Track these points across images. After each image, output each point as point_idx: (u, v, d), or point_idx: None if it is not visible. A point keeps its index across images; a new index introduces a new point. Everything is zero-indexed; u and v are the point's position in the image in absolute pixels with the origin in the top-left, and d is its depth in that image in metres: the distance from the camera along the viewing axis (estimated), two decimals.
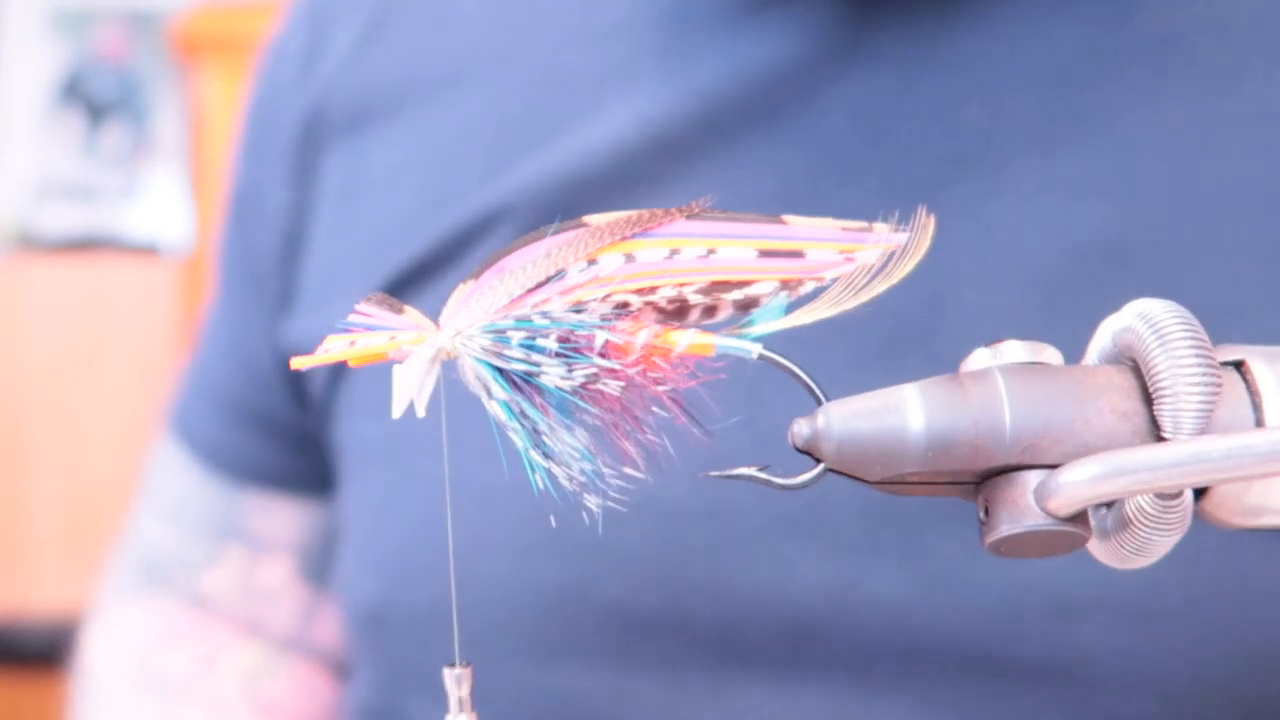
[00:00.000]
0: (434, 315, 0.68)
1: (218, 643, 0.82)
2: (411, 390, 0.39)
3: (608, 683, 0.63)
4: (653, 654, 0.63)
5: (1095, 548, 0.38)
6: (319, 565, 0.82)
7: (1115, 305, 0.61)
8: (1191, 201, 0.61)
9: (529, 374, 0.38)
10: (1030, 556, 0.36)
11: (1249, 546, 0.58)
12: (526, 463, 0.39)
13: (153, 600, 0.84)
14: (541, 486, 0.39)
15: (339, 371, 0.73)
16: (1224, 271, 0.59)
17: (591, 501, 0.40)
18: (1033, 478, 0.35)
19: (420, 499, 0.67)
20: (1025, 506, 0.35)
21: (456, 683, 0.41)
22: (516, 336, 0.38)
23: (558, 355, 0.38)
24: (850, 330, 0.60)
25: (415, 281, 0.70)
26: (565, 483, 0.39)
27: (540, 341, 0.38)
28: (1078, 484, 0.35)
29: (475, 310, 0.39)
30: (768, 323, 0.38)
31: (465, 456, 0.61)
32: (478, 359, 0.39)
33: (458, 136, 0.71)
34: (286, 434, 0.79)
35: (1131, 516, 0.36)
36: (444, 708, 0.70)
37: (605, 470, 0.39)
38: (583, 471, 0.39)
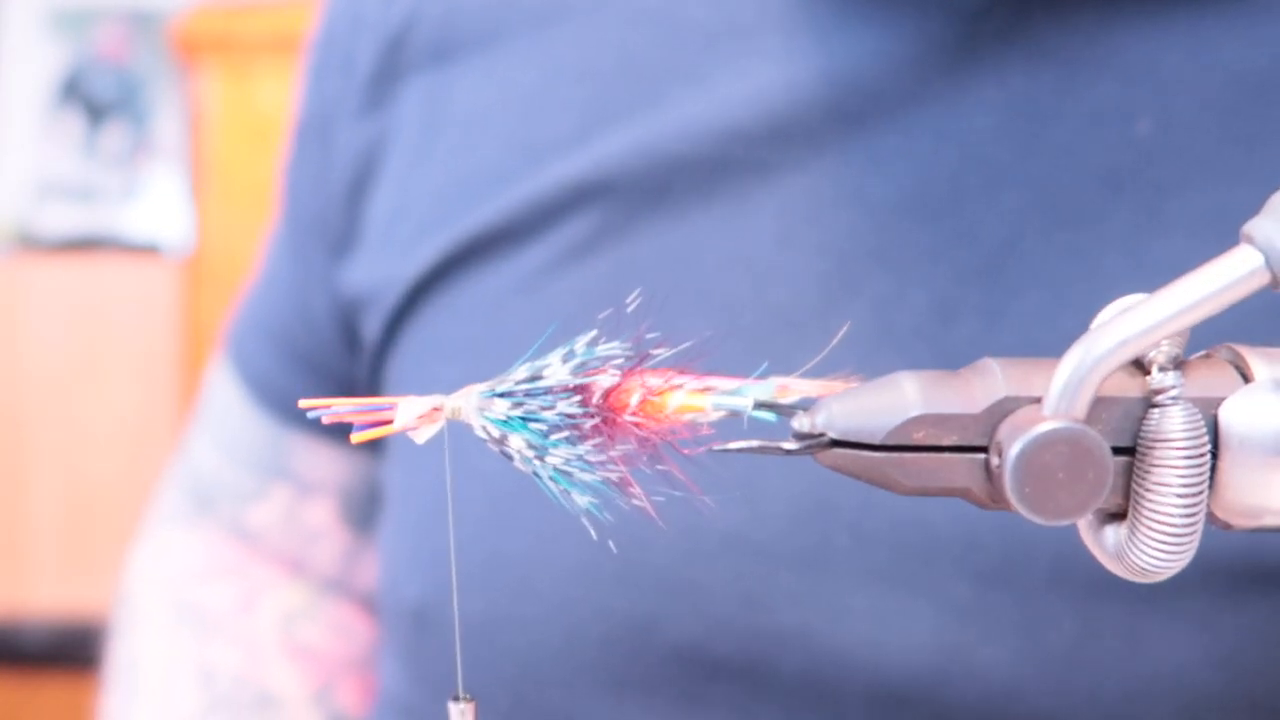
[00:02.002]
0: (506, 295, 0.64)
1: (259, 581, 0.80)
2: (410, 427, 0.39)
3: None
4: (722, 702, 0.58)
5: (1112, 564, 0.37)
6: (362, 511, 0.79)
7: None
8: None
9: (529, 419, 0.38)
10: (1065, 506, 0.34)
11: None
12: (559, 498, 0.38)
13: (199, 529, 0.82)
14: (573, 510, 0.38)
15: (393, 337, 0.68)
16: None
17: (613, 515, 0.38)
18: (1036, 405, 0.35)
19: (479, 502, 0.62)
20: (1032, 419, 0.35)
21: (460, 717, 0.41)
22: (517, 394, 0.38)
23: (556, 405, 0.37)
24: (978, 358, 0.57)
25: (488, 249, 0.64)
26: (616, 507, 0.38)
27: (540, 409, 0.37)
28: (1074, 366, 0.35)
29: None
30: (757, 393, 0.37)
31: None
32: (484, 414, 0.38)
33: (553, 83, 0.64)
34: (337, 380, 0.75)
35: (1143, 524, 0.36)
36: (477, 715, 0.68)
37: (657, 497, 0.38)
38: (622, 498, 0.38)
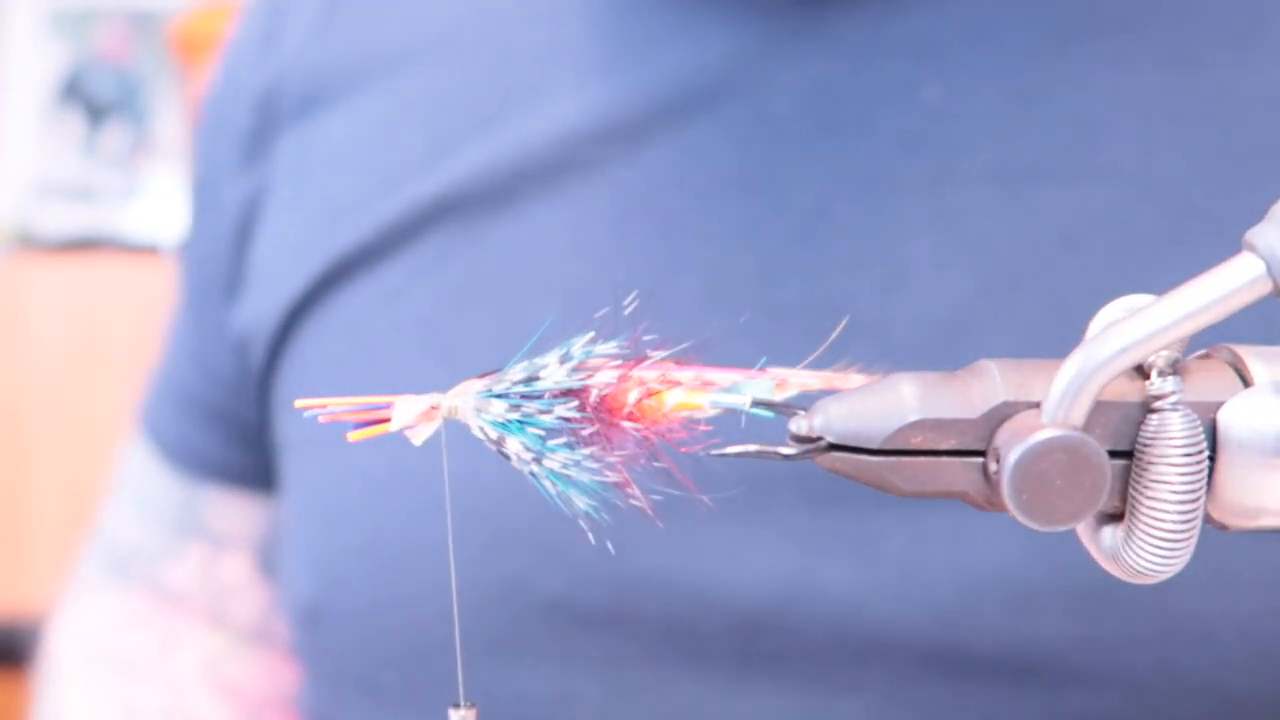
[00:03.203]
0: (371, 310, 0.68)
1: (179, 629, 0.82)
2: (407, 426, 0.39)
3: (550, 680, 0.62)
4: (596, 651, 0.62)
5: (1109, 564, 0.37)
6: (278, 561, 0.82)
7: (1071, 295, 0.60)
8: (1152, 186, 0.60)
9: (525, 421, 0.38)
10: (1062, 513, 0.35)
11: (1214, 535, 0.57)
12: (547, 490, 0.39)
13: (117, 590, 0.84)
14: (570, 512, 0.39)
15: (273, 364, 0.72)
16: (1185, 259, 0.58)
17: (583, 504, 0.39)
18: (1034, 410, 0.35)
19: (355, 492, 0.66)
20: (1030, 426, 0.35)
21: None
22: (514, 392, 0.39)
23: (551, 400, 0.38)
24: (803, 318, 0.60)
25: (352, 269, 0.69)
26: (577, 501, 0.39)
27: (534, 409, 0.38)
28: (1073, 373, 0.35)
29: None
30: (755, 391, 0.38)
31: (398, 448, 0.61)
32: (480, 414, 0.39)
33: (404, 117, 0.70)
34: (242, 430, 0.79)
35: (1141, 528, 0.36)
36: (381, 709, 0.69)
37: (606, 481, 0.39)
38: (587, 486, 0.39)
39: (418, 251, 0.67)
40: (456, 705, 0.42)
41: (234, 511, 0.81)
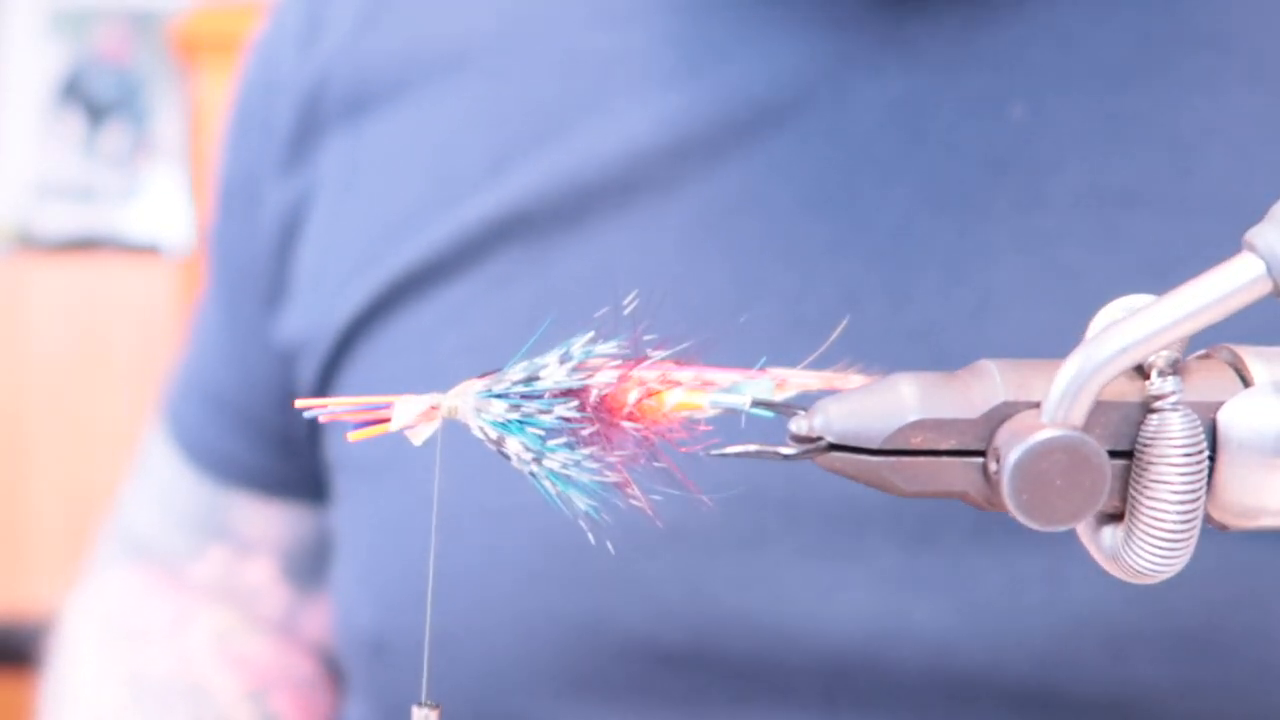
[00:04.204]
0: (433, 330, 0.66)
1: (194, 604, 0.80)
2: (407, 426, 0.39)
3: (629, 717, 0.60)
4: (677, 690, 0.60)
5: (1108, 564, 0.37)
6: (304, 569, 0.80)
7: None
8: (1245, 215, 0.58)
9: (525, 421, 0.38)
10: (1062, 513, 0.35)
11: None
12: (551, 496, 0.38)
13: (134, 566, 0.82)
14: (570, 513, 0.39)
15: (328, 381, 0.70)
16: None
17: (601, 520, 0.39)
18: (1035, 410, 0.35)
19: (423, 522, 0.64)
20: (1030, 426, 0.35)
21: None
22: (515, 392, 0.38)
23: (553, 400, 0.38)
24: (886, 347, 0.58)
25: (415, 287, 0.66)
26: (586, 507, 0.38)
27: (535, 408, 0.38)
28: (1074, 373, 0.35)
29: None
30: (755, 390, 0.38)
31: (471, 478, 0.59)
32: (480, 414, 0.38)
33: (463, 124, 0.67)
34: (276, 437, 0.77)
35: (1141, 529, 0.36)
36: None
37: (628, 498, 0.39)
38: (602, 499, 0.38)
39: (482, 271, 0.65)
40: (420, 704, 0.41)
41: (261, 518, 0.79)
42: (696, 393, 0.37)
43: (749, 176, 0.61)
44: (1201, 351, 0.39)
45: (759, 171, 0.61)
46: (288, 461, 0.77)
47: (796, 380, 0.39)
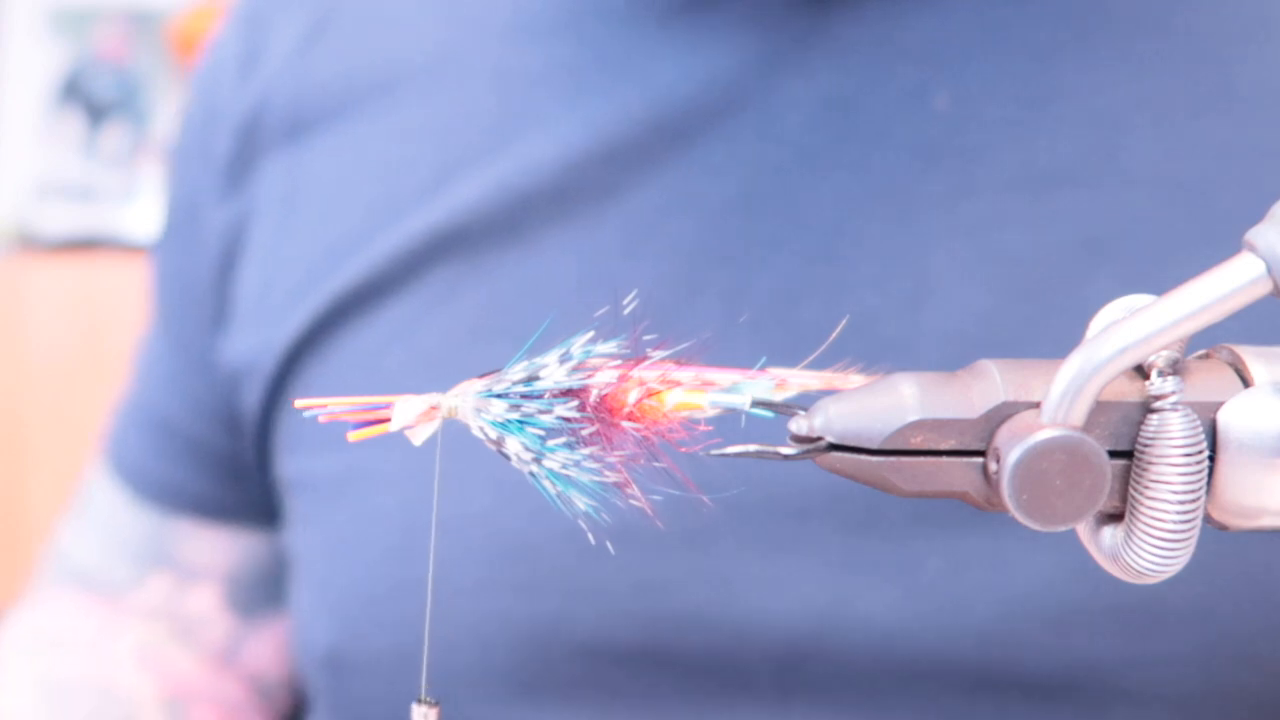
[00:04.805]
0: (378, 347, 0.66)
1: (125, 620, 0.80)
2: (407, 425, 0.39)
3: (587, 719, 0.61)
4: (633, 689, 0.61)
5: (1109, 564, 0.37)
6: (250, 596, 0.80)
7: (1096, 301, 0.60)
8: (1174, 188, 0.59)
9: (525, 420, 0.38)
10: (1062, 513, 0.35)
11: (1255, 549, 0.57)
12: (549, 493, 0.39)
13: (69, 590, 0.82)
14: (570, 513, 0.39)
15: (274, 403, 0.70)
16: (1210, 261, 0.57)
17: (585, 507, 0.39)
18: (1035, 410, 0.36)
19: (378, 537, 0.65)
20: (1030, 426, 0.35)
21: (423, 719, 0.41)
22: (514, 393, 0.38)
23: (551, 400, 0.38)
24: (826, 338, 0.59)
25: (357, 306, 0.67)
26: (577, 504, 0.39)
27: (535, 408, 0.38)
28: (1074, 373, 0.35)
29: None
30: (755, 390, 0.38)
31: (428, 490, 0.58)
32: (480, 414, 0.39)
33: (400, 144, 0.68)
34: (222, 462, 0.77)
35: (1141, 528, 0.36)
36: None
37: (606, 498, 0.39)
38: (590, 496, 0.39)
39: (424, 286, 0.65)
40: (419, 701, 0.42)
41: (206, 545, 0.79)
42: (696, 393, 0.37)
43: (683, 179, 0.62)
44: (1201, 352, 0.39)
45: (693, 173, 0.62)
46: (234, 486, 0.77)
47: (796, 380, 0.39)
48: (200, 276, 0.75)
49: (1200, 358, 0.38)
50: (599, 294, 0.62)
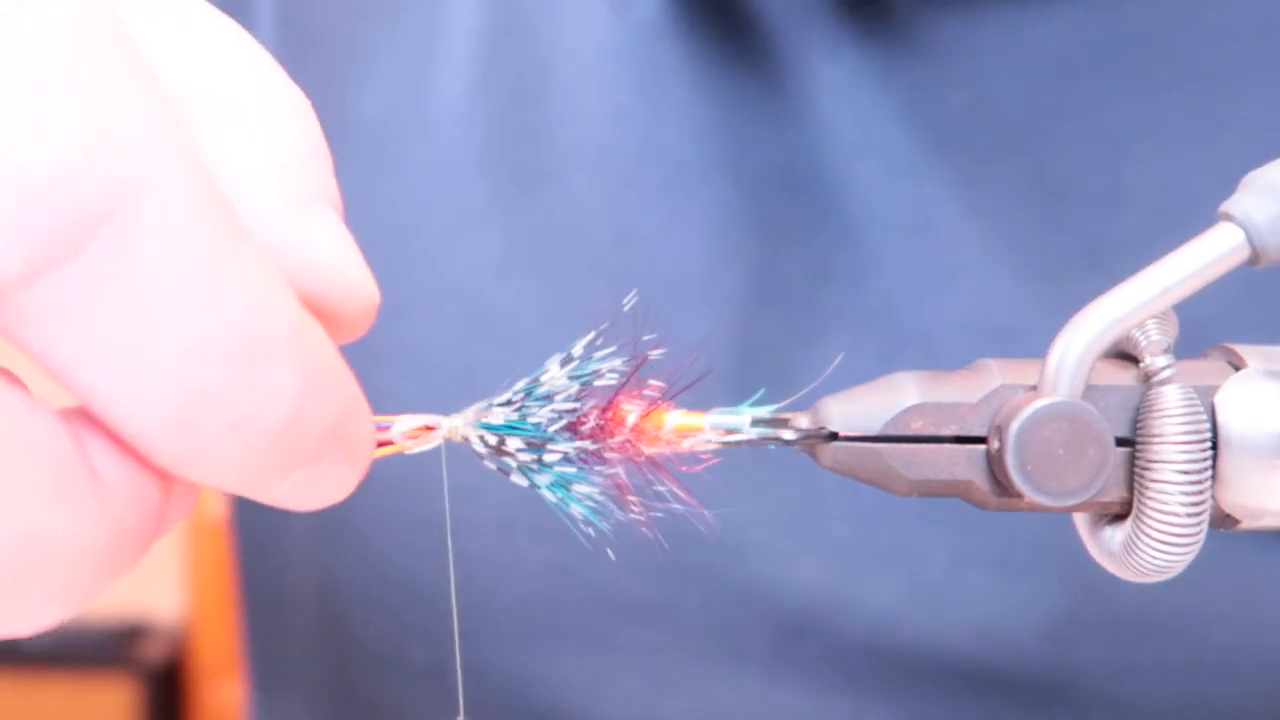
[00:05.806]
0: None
1: None
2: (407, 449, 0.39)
3: (588, 669, 0.63)
4: (636, 642, 0.62)
5: (1114, 565, 0.38)
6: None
7: None
8: (1173, 211, 0.60)
9: (530, 442, 0.38)
10: (1070, 485, 0.35)
11: (1244, 565, 0.58)
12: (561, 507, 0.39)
13: None
14: (571, 525, 0.39)
15: None
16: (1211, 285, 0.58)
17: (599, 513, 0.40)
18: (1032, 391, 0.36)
19: (393, 463, 0.66)
20: (1028, 400, 0.35)
21: None
22: (512, 415, 0.39)
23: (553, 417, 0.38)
24: (849, 323, 0.60)
25: None
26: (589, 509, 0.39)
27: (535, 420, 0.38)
28: (1063, 348, 0.36)
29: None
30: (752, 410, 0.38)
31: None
32: (483, 426, 0.39)
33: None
34: None
35: (1147, 528, 0.36)
36: None
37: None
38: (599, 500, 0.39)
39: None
40: (456, 716, 0.42)
41: None
42: (695, 414, 0.38)
43: (723, 146, 0.63)
44: (1200, 356, 0.39)
45: (732, 143, 0.63)
46: None
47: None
48: None
49: (1199, 359, 0.39)
50: (633, 250, 0.63)
